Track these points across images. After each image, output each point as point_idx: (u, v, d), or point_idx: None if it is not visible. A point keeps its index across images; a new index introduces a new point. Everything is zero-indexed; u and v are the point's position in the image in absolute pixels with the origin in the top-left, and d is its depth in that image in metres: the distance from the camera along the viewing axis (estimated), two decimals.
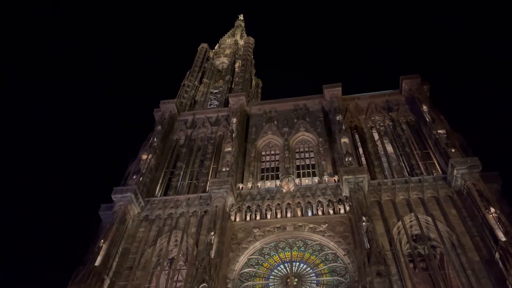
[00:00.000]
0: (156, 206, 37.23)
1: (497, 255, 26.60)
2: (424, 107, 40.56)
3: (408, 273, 28.03)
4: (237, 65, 63.92)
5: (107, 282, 30.18)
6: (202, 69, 63.21)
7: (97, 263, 30.19)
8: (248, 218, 34.84)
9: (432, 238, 30.98)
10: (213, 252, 29.89)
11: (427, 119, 39.21)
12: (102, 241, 31.89)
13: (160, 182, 41.23)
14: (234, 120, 45.11)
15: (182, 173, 42.14)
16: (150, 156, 40.98)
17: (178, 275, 33.69)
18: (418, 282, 30.06)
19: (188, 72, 60.18)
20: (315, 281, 29.99)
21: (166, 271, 33.40)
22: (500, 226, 27.41)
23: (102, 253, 30.97)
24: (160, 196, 39.30)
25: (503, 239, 26.56)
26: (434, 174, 35.42)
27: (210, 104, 56.46)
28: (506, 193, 31.98)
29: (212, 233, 31.42)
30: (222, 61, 66.75)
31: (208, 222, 33.28)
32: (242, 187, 37.99)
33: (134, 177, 38.08)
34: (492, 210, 28.56)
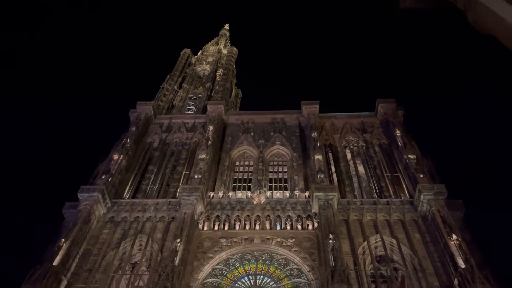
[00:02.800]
0: (123, 208, 36.41)
1: (456, 282, 27.29)
2: (397, 132, 41.63)
3: None
4: (218, 73, 63.99)
5: (64, 283, 29.13)
6: (182, 74, 62.94)
7: (55, 262, 29.14)
8: (216, 228, 34.54)
9: (395, 261, 31.54)
10: (177, 259, 29.39)
11: (399, 143, 40.24)
12: (63, 240, 30.87)
13: (129, 184, 40.42)
14: (211, 127, 44.96)
15: (153, 177, 41.49)
16: (121, 157, 40.21)
17: (139, 281, 32.85)
18: None
19: (168, 76, 59.76)
20: None
21: (128, 276, 32.56)
22: (460, 253, 28.18)
23: (61, 252, 29.95)
24: (128, 198, 38.48)
25: (463, 266, 27.29)
26: (402, 197, 36.31)
27: (188, 110, 56.12)
28: (468, 222, 33.08)
29: (178, 240, 30.94)
30: (203, 68, 66.69)
31: (175, 229, 32.79)
32: (213, 196, 37.71)
33: (103, 177, 37.22)
34: (454, 237, 29.37)
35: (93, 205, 34.54)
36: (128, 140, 42.80)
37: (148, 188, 40.12)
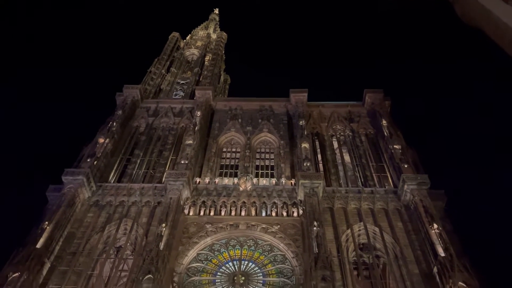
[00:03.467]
0: (108, 192, 36.20)
1: (435, 270, 27.99)
2: (384, 122, 42.01)
3: (352, 280, 28.97)
4: (207, 58, 63.35)
5: (47, 266, 29.01)
6: (171, 58, 62.19)
7: (38, 245, 28.95)
8: (202, 213, 34.63)
9: (378, 248, 32.14)
10: (162, 244, 29.45)
11: (385, 133, 40.65)
12: (46, 223, 30.63)
13: (115, 168, 40.13)
14: (199, 113, 44.70)
15: (139, 161, 41.23)
16: (107, 140, 39.80)
17: (124, 265, 32.97)
18: None
19: (156, 59, 58.99)
20: (262, 281, 30.27)
21: (112, 259, 32.56)
22: (441, 242, 28.85)
23: (45, 235, 29.75)
24: (113, 182, 38.23)
25: (442, 254, 27.96)
26: (386, 187, 36.87)
27: (175, 95, 55.62)
28: (449, 212, 33.83)
29: (164, 225, 30.96)
30: (192, 53, 65.96)
31: (161, 214, 32.79)
32: (199, 182, 37.70)
33: (88, 160, 36.86)
34: (435, 226, 30.02)
35: (78, 188, 34.25)
36: (114, 123, 42.33)
37: (134, 172, 39.89)
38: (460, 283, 25.58)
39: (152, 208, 34.90)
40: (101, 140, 39.45)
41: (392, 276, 30.11)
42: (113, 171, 39.71)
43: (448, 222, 32.09)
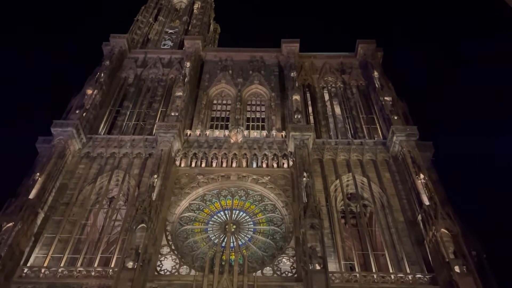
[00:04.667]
0: (98, 144, 36.12)
1: (419, 217, 29.09)
2: (375, 73, 41.75)
3: (339, 228, 30.05)
4: (196, 6, 60.93)
5: (41, 216, 29.46)
6: (158, 6, 59.72)
7: (31, 196, 29.20)
8: (193, 165, 34.94)
9: (365, 198, 33.11)
10: (154, 194, 29.90)
11: (376, 85, 40.55)
12: (38, 174, 30.71)
13: (104, 120, 39.79)
14: (188, 64, 43.78)
15: (128, 113, 40.83)
16: (95, 91, 39.11)
17: (117, 215, 33.58)
18: (347, 236, 32.38)
19: (143, 7, 56.71)
20: (252, 229, 31.23)
21: (105, 210, 33.15)
22: (426, 192, 29.75)
23: (37, 186, 29.93)
24: (103, 134, 38.05)
25: (427, 203, 28.95)
26: (375, 138, 37.36)
27: (164, 45, 54.00)
28: (436, 162, 34.66)
29: (156, 176, 31.25)
30: (180, 0, 63.36)
31: (152, 165, 33.01)
32: (190, 134, 37.69)
33: (77, 111, 36.39)
34: (422, 176, 30.82)
35: (68, 140, 34.08)
36: (102, 74, 41.42)
37: (124, 124, 39.62)
38: (442, 229, 26.69)
39: (144, 159, 35.07)
40: (89, 91, 38.75)
41: (378, 224, 31.24)
42: (103, 123, 39.40)
43: (434, 172, 32.97)
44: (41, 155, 34.09)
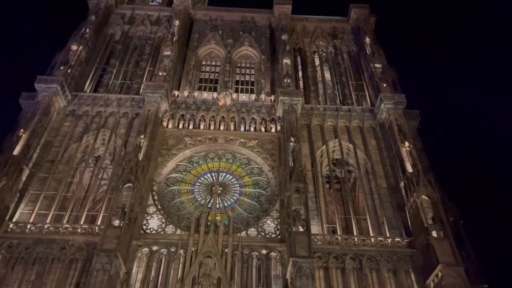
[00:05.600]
0: (84, 102, 35.51)
1: (402, 184, 29.81)
2: (367, 39, 41.29)
3: (323, 192, 30.70)
4: None
5: (26, 172, 29.31)
6: None
7: (15, 152, 28.91)
8: (180, 126, 34.75)
9: (350, 164, 33.63)
10: (141, 154, 29.84)
11: (367, 51, 40.21)
12: (22, 130, 30.25)
13: (90, 77, 38.90)
14: (177, 22, 42.53)
15: (115, 71, 39.92)
16: (81, 47, 37.96)
17: (103, 173, 33.60)
18: (330, 201, 33.15)
19: None
20: (238, 191, 31.66)
21: (91, 168, 33.07)
22: (410, 159, 30.34)
23: (21, 142, 29.57)
24: (89, 92, 37.33)
25: (410, 170, 29.58)
26: (364, 105, 37.49)
27: (152, 1, 52.19)
28: (422, 131, 35.18)
29: (142, 136, 31.07)
30: None
31: (139, 125, 32.75)
32: (177, 95, 37.21)
33: (62, 68, 35.43)
34: (406, 144, 31.30)
35: (52, 97, 33.39)
36: (88, 30, 40.04)
37: (110, 82, 38.83)
38: (423, 196, 27.45)
39: (130, 119, 34.70)
40: (74, 47, 37.58)
41: (362, 189, 31.95)
42: (89, 80, 38.52)
43: (419, 141, 33.55)
44: (25, 111, 33.43)
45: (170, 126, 34.64)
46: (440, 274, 23.75)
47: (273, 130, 34.80)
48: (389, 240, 27.42)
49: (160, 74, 36.34)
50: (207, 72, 41.84)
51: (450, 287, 23.07)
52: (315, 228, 27.56)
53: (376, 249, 26.78)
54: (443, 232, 25.56)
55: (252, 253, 26.37)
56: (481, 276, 25.77)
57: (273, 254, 26.47)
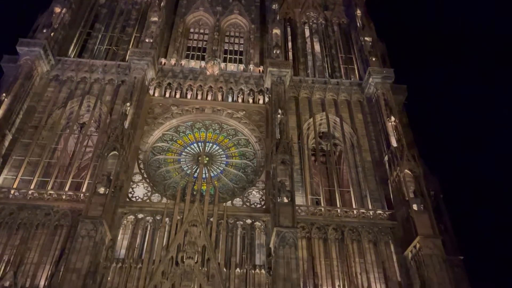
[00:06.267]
0: (68, 67, 34.61)
1: (386, 158, 30.31)
2: (358, 12, 40.77)
3: (309, 165, 31.05)
4: None
5: (9, 137, 28.83)
6: None
7: None
8: (167, 95, 34.31)
9: (336, 137, 33.92)
10: (127, 122, 29.52)
11: (358, 24, 39.80)
12: (4, 94, 29.51)
13: (74, 42, 37.77)
14: None
15: (100, 36, 38.81)
16: (64, 10, 36.63)
17: (88, 141, 33.25)
18: (315, 173, 33.55)
19: None
20: (225, 162, 31.79)
21: (76, 135, 32.67)
22: (395, 134, 30.73)
23: (3, 107, 28.91)
24: (73, 57, 36.32)
25: (395, 145, 30.04)
26: (352, 79, 37.44)
27: None
28: (408, 106, 35.51)
29: (128, 104, 30.63)
30: None
31: (125, 93, 32.23)
32: (164, 63, 36.53)
33: (44, 31, 34.23)
34: (392, 119, 31.63)
35: (35, 60, 32.43)
36: None
37: (95, 48, 37.81)
38: (406, 170, 28.02)
39: (116, 86, 34.06)
40: (58, 10, 36.22)
41: (346, 162, 32.39)
42: (73, 45, 37.41)
43: (405, 116, 33.94)
44: (6, 75, 32.48)
45: (156, 94, 34.18)
46: (418, 245, 24.59)
47: (261, 101, 34.66)
48: (371, 213, 28.10)
49: (147, 40, 35.49)
50: (195, 40, 41.02)
51: (427, 258, 23.95)
52: (299, 199, 28.03)
53: (358, 220, 27.46)
54: (424, 205, 26.28)
55: (237, 222, 26.80)
56: (457, 248, 26.76)
57: (257, 223, 26.95)
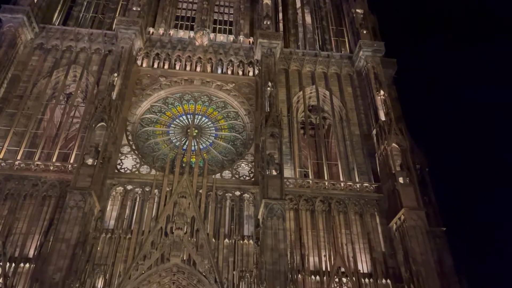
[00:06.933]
0: (53, 35, 33.63)
1: (374, 132, 30.60)
2: None
3: (298, 138, 31.17)
4: None
5: None
6: None
7: None
8: (155, 66, 33.75)
9: (325, 111, 33.98)
10: (114, 93, 29.09)
11: None
12: None
13: (58, 9, 36.58)
14: None
15: (85, 4, 37.62)
16: None
17: (75, 111, 32.79)
18: (304, 146, 33.79)
19: None
20: (214, 135, 31.75)
21: (62, 106, 32.14)
22: (383, 108, 30.90)
23: None
24: (58, 25, 35.24)
25: (383, 119, 30.27)
26: (342, 51, 37.14)
27: None
28: (398, 80, 35.58)
29: (116, 74, 30.09)
30: None
31: (112, 63, 31.60)
32: (152, 32, 35.73)
33: None
34: (382, 92, 31.72)
35: (18, 28, 31.43)
36: None
37: (81, 15, 36.70)
38: (393, 144, 28.38)
39: (103, 56, 33.32)
40: None
41: (335, 136, 32.62)
42: (57, 12, 36.22)
43: (394, 90, 34.04)
44: None
45: (144, 65, 33.59)
46: (402, 217, 25.26)
47: (250, 73, 34.34)
48: (357, 185, 28.60)
49: (134, 9, 34.52)
50: (184, 9, 40.01)
51: (411, 229, 24.68)
52: (288, 172, 28.30)
53: (345, 193, 27.97)
54: (409, 178, 26.82)
55: (226, 194, 27.08)
56: (440, 220, 27.54)
57: (246, 195, 27.28)
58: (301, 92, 33.62)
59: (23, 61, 31.75)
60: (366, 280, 24.48)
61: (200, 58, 34.59)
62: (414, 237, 24.41)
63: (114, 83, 29.53)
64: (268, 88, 30.93)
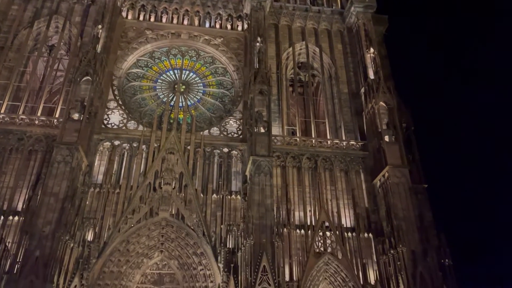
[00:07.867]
0: None
1: (362, 90, 30.60)
2: None
3: (286, 95, 31.09)
4: None
5: None
6: None
7: None
8: (141, 18, 32.67)
9: (315, 68, 33.66)
10: (99, 46, 28.21)
11: None
12: None
13: None
14: None
15: None
16: None
17: (58, 64, 31.91)
18: (292, 104, 33.71)
19: None
20: (202, 91, 31.39)
21: (45, 58, 31.17)
22: (373, 66, 30.72)
23: None
24: None
25: (372, 77, 30.18)
26: (334, 7, 36.18)
27: None
28: (389, 38, 35.08)
29: (100, 26, 29.05)
30: None
31: (96, 14, 30.51)
32: None
33: None
34: (371, 50, 31.40)
35: None
36: None
37: None
38: (381, 102, 28.55)
39: (86, 6, 31.95)
40: None
41: (323, 94, 32.54)
42: None
43: (384, 48, 33.68)
44: None
45: (129, 17, 32.47)
46: (386, 174, 25.92)
47: (239, 28, 33.52)
48: (344, 143, 28.99)
49: None
50: None
51: (394, 186, 25.43)
52: (275, 130, 28.45)
53: (331, 150, 28.39)
54: (395, 137, 27.25)
55: (214, 150, 27.25)
56: (423, 177, 28.29)
57: (234, 152, 27.51)
58: (291, 49, 33.11)
59: (3, 10, 30.24)
60: (349, 234, 25.44)
61: (187, 10, 33.52)
62: (396, 193, 25.20)
63: (99, 36, 28.57)
64: (257, 44, 30.36)
